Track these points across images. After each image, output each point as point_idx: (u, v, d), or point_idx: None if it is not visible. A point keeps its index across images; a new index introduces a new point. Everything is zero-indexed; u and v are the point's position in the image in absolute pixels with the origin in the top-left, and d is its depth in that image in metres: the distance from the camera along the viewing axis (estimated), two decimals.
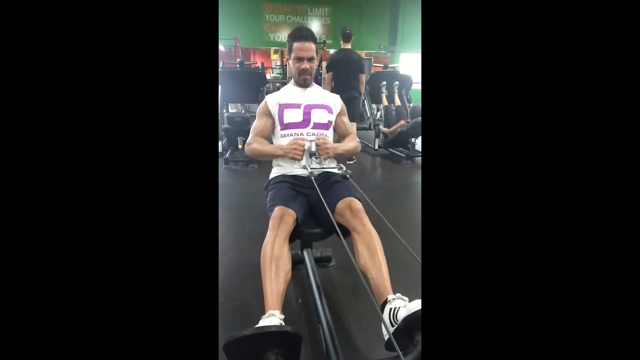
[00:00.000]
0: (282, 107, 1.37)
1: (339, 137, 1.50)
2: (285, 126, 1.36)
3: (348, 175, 1.22)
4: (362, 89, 3.63)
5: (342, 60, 3.45)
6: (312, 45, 1.34)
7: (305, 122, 1.36)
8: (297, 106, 1.38)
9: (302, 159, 1.26)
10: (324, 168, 1.30)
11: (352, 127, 1.57)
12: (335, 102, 1.45)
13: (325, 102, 1.42)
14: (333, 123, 1.43)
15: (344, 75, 3.43)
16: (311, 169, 1.22)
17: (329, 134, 1.41)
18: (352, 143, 1.42)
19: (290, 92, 1.42)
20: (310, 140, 1.30)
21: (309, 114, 1.37)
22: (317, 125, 1.37)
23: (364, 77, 3.58)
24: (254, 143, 1.35)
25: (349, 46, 3.54)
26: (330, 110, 1.41)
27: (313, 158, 1.30)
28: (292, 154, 1.25)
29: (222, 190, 2.73)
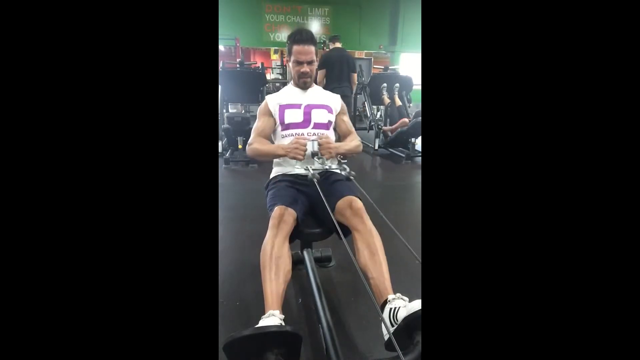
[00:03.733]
0: (283, 107, 1.37)
1: (340, 136, 1.49)
2: (286, 126, 1.36)
3: (352, 177, 1.19)
4: (354, 87, 3.66)
5: (335, 59, 3.47)
6: (312, 48, 1.32)
7: (305, 122, 1.36)
8: (298, 106, 1.37)
9: (303, 158, 1.23)
10: (326, 168, 1.26)
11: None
12: (335, 102, 1.45)
13: (325, 102, 1.42)
14: (333, 123, 1.43)
15: (337, 74, 3.46)
16: (313, 169, 1.18)
17: (330, 134, 1.39)
18: (353, 142, 1.41)
19: (290, 93, 1.42)
20: (312, 140, 1.27)
21: (309, 114, 1.37)
22: (317, 125, 1.36)
23: (355, 76, 3.62)
24: (255, 143, 1.34)
25: (339, 45, 3.56)
26: (330, 110, 1.41)
27: (315, 158, 1.26)
28: (294, 154, 1.22)
29: (222, 190, 2.73)
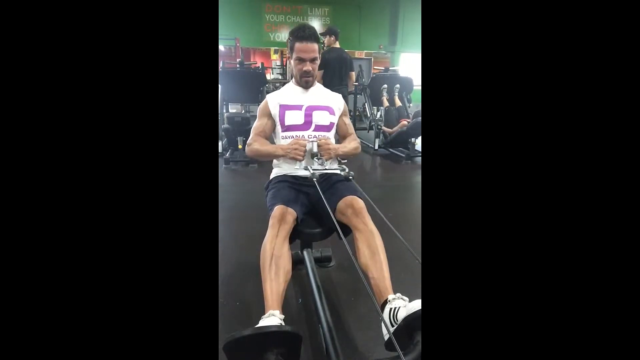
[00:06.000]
0: (284, 108, 1.35)
1: (340, 137, 1.49)
2: (287, 128, 1.34)
3: (351, 177, 1.22)
4: (351, 86, 3.75)
5: (334, 60, 3.50)
6: (315, 46, 1.30)
7: (306, 125, 1.34)
8: (299, 108, 1.36)
9: (303, 159, 1.24)
10: (325, 169, 1.27)
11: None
12: (338, 102, 1.43)
13: (327, 103, 1.40)
14: (335, 125, 1.41)
15: (337, 74, 3.50)
16: (313, 169, 1.21)
17: (331, 135, 1.39)
18: (352, 143, 1.40)
19: (291, 93, 1.39)
20: (312, 141, 1.28)
21: (311, 115, 1.35)
22: (318, 128, 1.35)
23: (353, 75, 3.69)
24: (254, 143, 1.33)
25: (337, 45, 3.59)
26: (332, 112, 1.39)
27: (315, 159, 1.27)
28: (293, 154, 1.23)
29: (222, 190, 2.72)
